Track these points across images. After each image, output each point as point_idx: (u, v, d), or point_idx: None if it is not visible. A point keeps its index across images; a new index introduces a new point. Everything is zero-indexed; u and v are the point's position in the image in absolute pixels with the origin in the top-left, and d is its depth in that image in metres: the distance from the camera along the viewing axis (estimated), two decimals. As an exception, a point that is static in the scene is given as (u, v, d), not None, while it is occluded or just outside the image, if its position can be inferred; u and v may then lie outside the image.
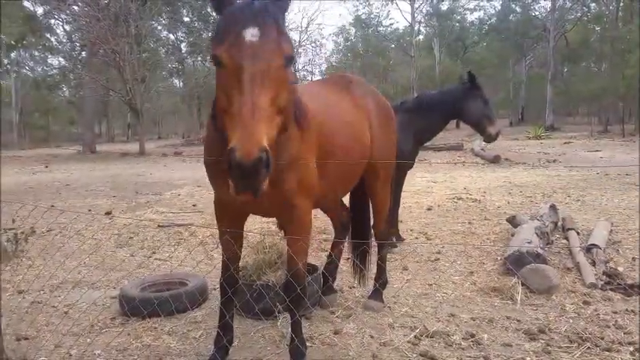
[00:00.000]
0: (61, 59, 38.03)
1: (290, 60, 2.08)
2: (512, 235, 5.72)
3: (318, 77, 54.64)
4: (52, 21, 33.27)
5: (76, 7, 26.78)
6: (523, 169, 14.36)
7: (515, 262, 4.65)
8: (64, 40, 35.34)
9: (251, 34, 1.99)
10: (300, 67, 44.53)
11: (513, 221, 6.20)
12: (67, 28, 33.02)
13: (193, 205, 9.43)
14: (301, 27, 42.46)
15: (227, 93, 2.00)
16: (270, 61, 1.99)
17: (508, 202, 8.70)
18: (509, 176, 12.41)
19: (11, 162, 23.01)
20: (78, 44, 30.91)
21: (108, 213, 8.81)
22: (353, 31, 55.00)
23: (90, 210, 9.28)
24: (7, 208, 5.96)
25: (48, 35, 36.43)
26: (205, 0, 31.04)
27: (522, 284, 4.36)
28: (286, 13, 2.17)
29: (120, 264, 5.53)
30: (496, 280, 4.62)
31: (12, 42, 34.03)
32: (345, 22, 60.86)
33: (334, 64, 60.44)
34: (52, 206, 9.70)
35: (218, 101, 2.11)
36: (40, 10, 32.80)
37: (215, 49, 2.05)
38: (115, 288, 4.71)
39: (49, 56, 42.29)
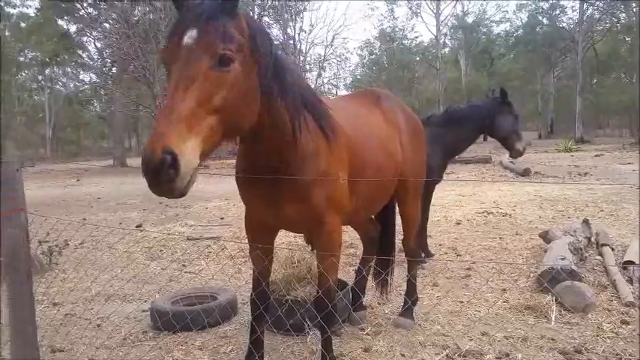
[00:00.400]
0: (92, 75, 39.03)
1: (223, 60, 1.97)
2: (545, 251, 5.60)
3: (343, 90, 54.93)
4: (84, 38, 34.26)
5: (107, 25, 27.55)
6: (554, 182, 14.09)
7: (549, 279, 4.55)
8: (96, 57, 36.26)
9: (188, 36, 1.96)
10: (325, 81, 44.79)
11: (546, 237, 6.08)
12: (99, 45, 33.87)
13: (221, 218, 9.52)
14: (326, 41, 42.72)
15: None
16: (197, 62, 1.92)
17: (539, 217, 8.54)
18: (540, 190, 12.18)
19: (45, 176, 23.62)
20: (109, 61, 31.66)
21: (139, 226, 8.96)
22: (378, 44, 55.18)
23: (121, 223, 9.45)
24: (43, 222, 6.10)
25: (80, 52, 37.47)
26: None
27: (557, 302, 4.26)
28: (234, 13, 2.07)
29: (151, 277, 5.61)
30: (529, 297, 4.52)
31: (46, 59, 35.12)
32: (369, 35, 60.93)
33: (359, 77, 60.67)
34: (84, 219, 9.92)
35: None
36: (73, 28, 33.86)
37: (162, 51, 2.07)
38: (146, 301, 4.77)
39: (81, 72, 43.49)
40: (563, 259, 4.85)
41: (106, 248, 6.96)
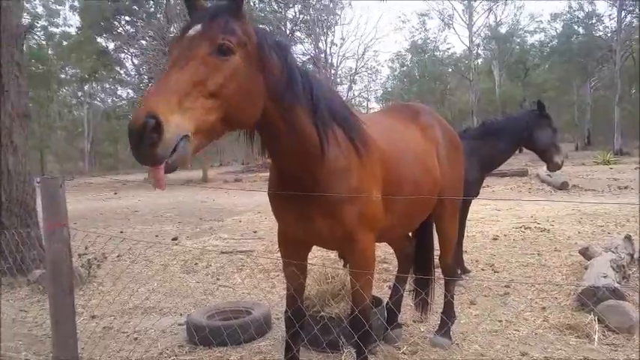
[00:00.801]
0: (129, 91, 40.05)
1: (222, 49, 2.04)
2: (586, 268, 5.43)
3: (374, 103, 54.82)
4: (122, 55, 35.24)
5: (144, 42, 28.31)
6: (593, 196, 13.70)
7: (591, 298, 4.40)
8: (133, 73, 37.27)
9: (192, 29, 2.07)
10: (355, 94, 44.84)
11: (586, 253, 5.90)
12: (136, 61, 34.83)
13: (254, 232, 9.58)
14: (358, 54, 42.85)
15: None
16: (196, 48, 2.01)
17: (579, 232, 8.30)
18: (578, 204, 11.86)
19: (83, 189, 24.30)
20: (146, 77, 32.48)
21: (174, 239, 9.10)
22: (409, 56, 54.96)
23: (157, 236, 9.62)
24: (84, 237, 6.28)
25: (118, 69, 38.56)
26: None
27: (599, 322, 4.11)
28: (239, 16, 2.15)
29: (186, 290, 5.67)
30: (570, 316, 4.37)
31: (86, 76, 36.23)
32: (400, 48, 60.59)
33: (389, 89, 60.49)
34: (122, 232, 10.14)
35: None
36: (111, 46, 34.91)
37: (169, 45, 2.16)
38: (181, 315, 4.82)
39: (119, 88, 44.75)
40: (605, 276, 4.70)
41: (143, 261, 7.09)
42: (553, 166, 5.68)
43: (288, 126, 2.40)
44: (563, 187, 15.45)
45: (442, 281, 4.21)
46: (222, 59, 2.04)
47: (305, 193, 2.57)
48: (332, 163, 2.57)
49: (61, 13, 46.62)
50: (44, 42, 43.29)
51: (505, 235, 8.17)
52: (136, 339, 4.25)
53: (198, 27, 2.06)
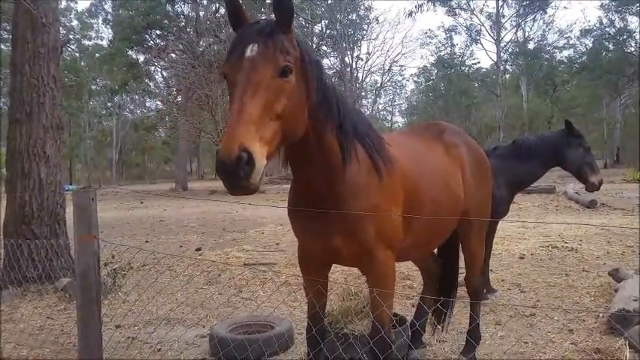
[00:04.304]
0: (158, 103, 40.93)
1: (284, 70, 2.10)
2: (616, 291, 5.29)
3: (398, 117, 54.70)
4: (152, 68, 36.01)
5: (173, 55, 28.90)
6: (622, 215, 13.38)
7: (621, 322, 4.29)
8: (162, 85, 38.05)
9: (250, 50, 2.08)
10: (380, 108, 44.88)
11: (616, 275, 5.75)
12: (165, 74, 35.57)
13: (277, 244, 9.60)
14: (383, 69, 42.98)
15: (230, 105, 2.10)
16: (261, 71, 2.04)
17: (607, 252, 8.10)
18: (607, 223, 11.58)
19: (110, 198, 24.73)
20: (174, 89, 33.09)
21: (198, 249, 9.19)
22: (435, 71, 54.77)
23: (181, 246, 9.73)
24: (115, 248, 6.39)
25: (147, 81, 39.35)
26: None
27: (630, 347, 3.99)
28: (289, 31, 2.18)
29: (209, 302, 5.70)
30: (599, 340, 4.26)
31: (116, 87, 37.07)
32: (426, 62, 60.25)
33: (414, 103, 60.36)
34: (147, 242, 10.29)
35: None
36: (141, 58, 35.71)
37: (223, 66, 2.18)
38: (204, 326, 4.85)
39: (148, 100, 45.76)
40: (636, 300, 4.57)
41: (167, 271, 7.16)
42: (590, 187, 5.55)
43: (319, 141, 2.43)
44: (591, 205, 15.09)
45: (466, 299, 4.15)
46: (284, 81, 2.10)
47: (325, 210, 2.55)
48: (352, 179, 2.58)
49: (94, 26, 48.01)
50: (77, 54, 44.51)
51: (532, 254, 8.02)
52: (159, 350, 4.28)
53: (256, 47, 2.09)
